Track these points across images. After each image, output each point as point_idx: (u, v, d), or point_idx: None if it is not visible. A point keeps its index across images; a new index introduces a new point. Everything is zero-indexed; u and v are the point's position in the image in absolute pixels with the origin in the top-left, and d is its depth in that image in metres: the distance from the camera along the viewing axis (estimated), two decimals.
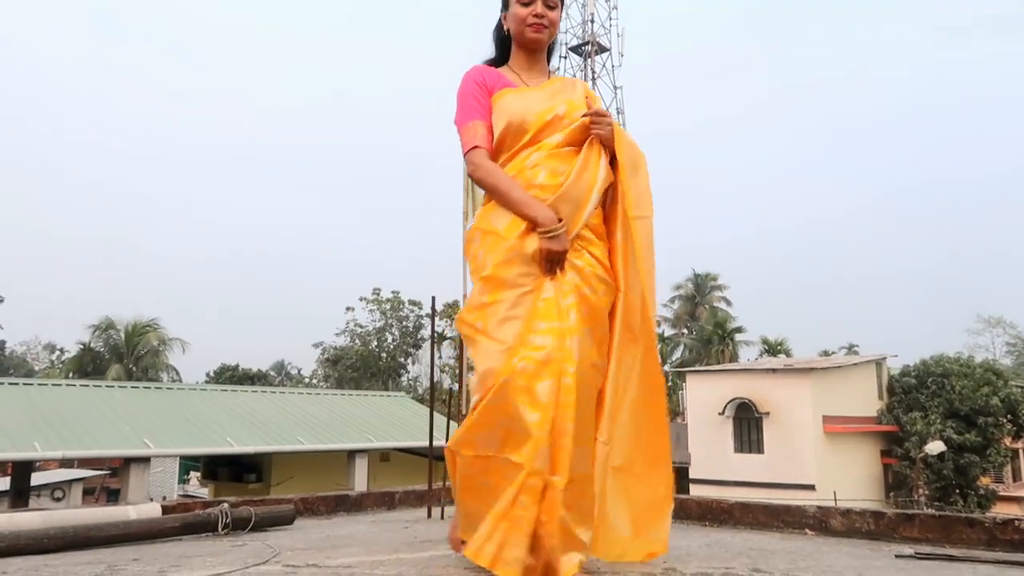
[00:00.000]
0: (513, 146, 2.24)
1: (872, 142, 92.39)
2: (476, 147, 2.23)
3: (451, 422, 5.10)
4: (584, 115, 2.30)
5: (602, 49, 34.25)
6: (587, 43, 33.97)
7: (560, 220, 2.11)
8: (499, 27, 2.43)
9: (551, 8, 2.32)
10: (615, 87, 34.07)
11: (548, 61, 2.49)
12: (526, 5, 2.30)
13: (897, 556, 2.95)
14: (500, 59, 2.44)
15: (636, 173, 2.33)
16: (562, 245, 2.10)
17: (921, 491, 23.19)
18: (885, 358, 27.19)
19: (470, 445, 2.10)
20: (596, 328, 2.15)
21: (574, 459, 1.97)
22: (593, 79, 34.12)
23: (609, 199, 2.33)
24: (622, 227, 2.27)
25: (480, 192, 5.20)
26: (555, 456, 1.97)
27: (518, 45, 2.39)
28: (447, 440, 2.20)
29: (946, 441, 22.67)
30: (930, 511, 3.42)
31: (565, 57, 33.85)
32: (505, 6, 2.39)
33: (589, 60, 34.15)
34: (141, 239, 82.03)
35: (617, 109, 33.89)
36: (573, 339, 2.04)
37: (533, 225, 2.11)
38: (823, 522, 3.50)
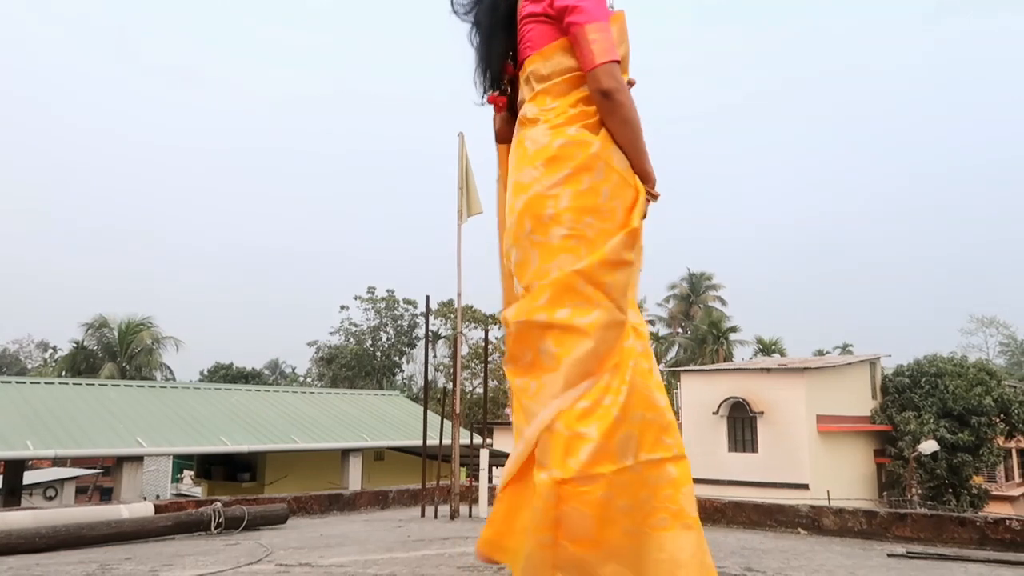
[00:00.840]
0: None
1: (865, 140, 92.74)
2: (616, 61, 1.76)
3: (445, 420, 5.11)
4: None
5: None
6: None
7: None
8: None
9: None
10: None
11: None
12: None
13: (889, 555, 2.96)
14: None
15: None
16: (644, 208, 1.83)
17: (914, 490, 23.28)
18: (879, 358, 27.28)
19: (610, 456, 1.59)
20: None
21: None
22: None
23: None
24: None
25: (475, 188, 5.12)
26: None
27: None
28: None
29: (939, 440, 22.76)
30: (922, 510, 3.44)
31: None
32: None
33: None
34: (134, 237, 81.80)
35: None
36: None
37: (644, 180, 1.81)
38: (816, 521, 3.50)
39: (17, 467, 14.87)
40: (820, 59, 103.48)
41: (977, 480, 24.77)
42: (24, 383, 16.77)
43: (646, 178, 1.80)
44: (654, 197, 1.83)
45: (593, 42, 1.75)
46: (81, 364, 36.99)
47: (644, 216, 1.79)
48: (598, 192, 1.73)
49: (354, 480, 15.59)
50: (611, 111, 1.75)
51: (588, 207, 1.72)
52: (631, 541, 1.58)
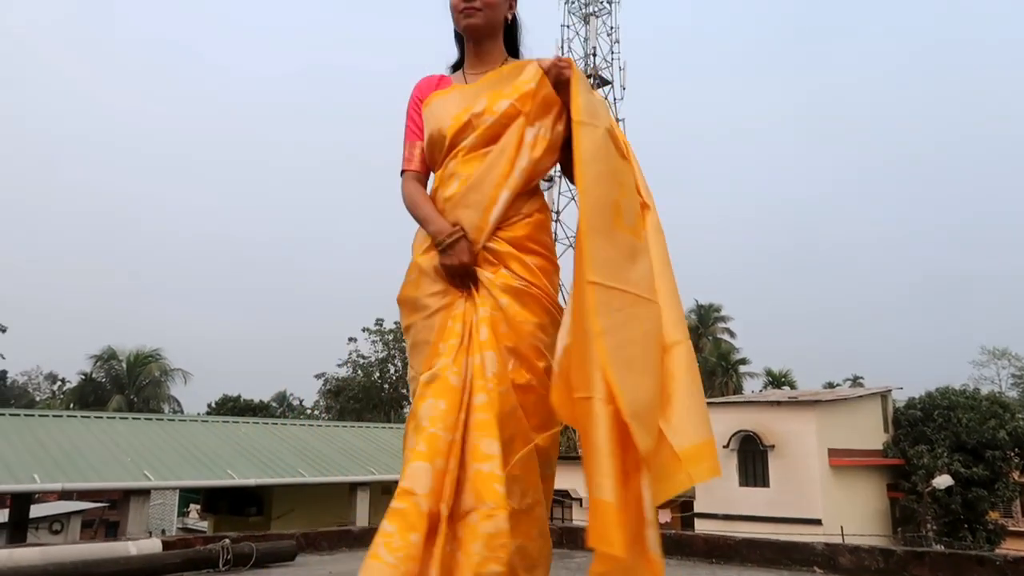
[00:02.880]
0: (439, 158, 2.06)
1: (874, 168, 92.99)
2: (404, 171, 2.12)
3: None
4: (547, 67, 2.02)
5: (604, 82, 34.64)
6: (589, 76, 34.36)
7: (455, 228, 1.93)
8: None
9: None
10: (618, 119, 34.39)
11: (513, 45, 2.21)
12: None
13: None
14: (460, 61, 2.23)
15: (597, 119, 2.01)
16: (457, 257, 1.90)
17: (929, 526, 22.88)
18: (890, 390, 27.01)
19: None
20: (521, 343, 1.88)
21: (496, 487, 1.67)
22: None
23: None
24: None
25: None
26: (446, 482, 1.69)
27: (465, 39, 2.16)
28: None
29: (953, 475, 22.41)
30: (939, 548, 3.38)
31: None
32: None
33: None
34: (143, 267, 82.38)
35: None
36: (484, 355, 1.81)
37: (434, 240, 1.96)
38: (831, 560, 3.45)
39: (24, 500, 14.80)
40: (829, 83, 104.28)
41: (993, 516, 24.33)
42: (32, 415, 16.78)
43: (435, 241, 1.96)
44: (438, 247, 1.95)
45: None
46: (89, 396, 37.06)
47: (449, 270, 1.92)
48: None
49: (362, 514, 15.45)
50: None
51: None
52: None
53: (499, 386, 1.80)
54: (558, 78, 2.00)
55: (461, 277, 1.91)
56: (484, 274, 1.92)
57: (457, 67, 2.22)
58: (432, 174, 2.12)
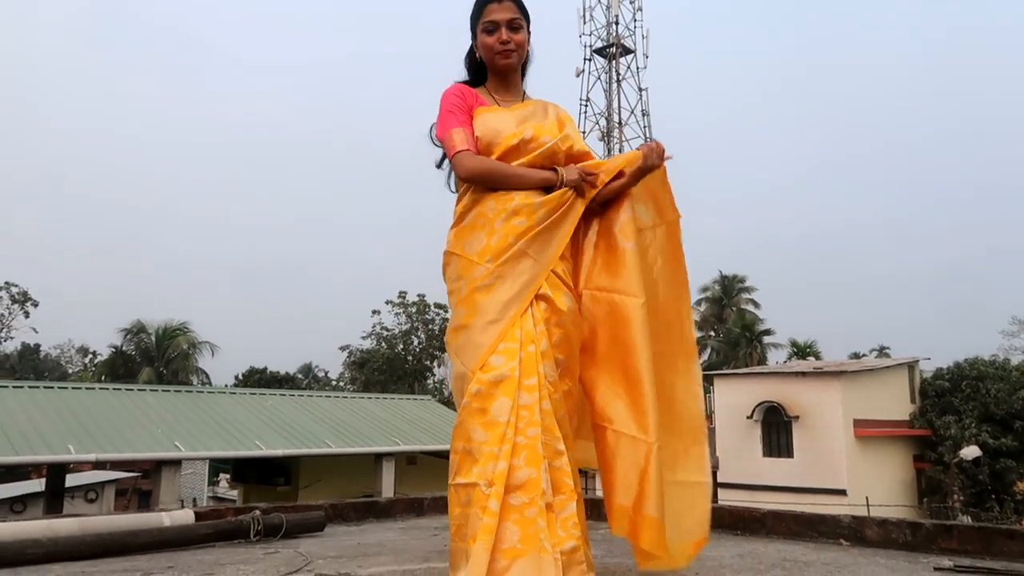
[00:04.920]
0: None
1: (899, 137, 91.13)
2: (461, 151, 2.28)
3: None
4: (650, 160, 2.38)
5: (626, 51, 34.12)
6: (611, 45, 33.85)
7: (557, 171, 2.29)
8: (471, 54, 2.50)
9: (516, 31, 2.38)
10: (640, 89, 33.92)
11: (523, 77, 2.55)
12: (491, 33, 2.37)
13: (936, 568, 2.89)
14: (474, 82, 2.51)
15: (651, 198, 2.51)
16: (572, 174, 2.27)
17: (956, 497, 22.75)
18: (918, 361, 26.73)
19: (450, 474, 2.11)
20: (570, 356, 2.23)
21: (567, 480, 2.03)
22: (618, 81, 34.01)
23: (614, 213, 2.41)
24: (636, 238, 2.36)
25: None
26: (515, 475, 1.97)
27: (491, 71, 2.46)
28: None
29: (981, 446, 22.23)
30: (968, 521, 3.35)
31: (590, 59, 33.83)
32: (474, 35, 2.46)
33: (614, 62, 34.04)
34: (169, 243, 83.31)
35: (643, 111, 33.73)
36: (545, 364, 2.11)
37: (546, 184, 2.27)
38: (858, 532, 3.44)
39: (59, 470, 15.21)
40: (858, 53, 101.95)
41: (1021, 486, 24.14)
42: (66, 388, 17.14)
43: (547, 184, 2.27)
44: (588, 181, 2.28)
45: (445, 149, 2.35)
46: (120, 369, 37.73)
47: (574, 183, 2.26)
48: (452, 280, 2.30)
49: (387, 484, 15.68)
50: (477, 182, 2.29)
51: (450, 292, 2.31)
52: (450, 548, 2.06)
53: (555, 393, 2.11)
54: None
55: (581, 188, 2.28)
56: (543, 286, 2.22)
57: (474, 84, 2.50)
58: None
